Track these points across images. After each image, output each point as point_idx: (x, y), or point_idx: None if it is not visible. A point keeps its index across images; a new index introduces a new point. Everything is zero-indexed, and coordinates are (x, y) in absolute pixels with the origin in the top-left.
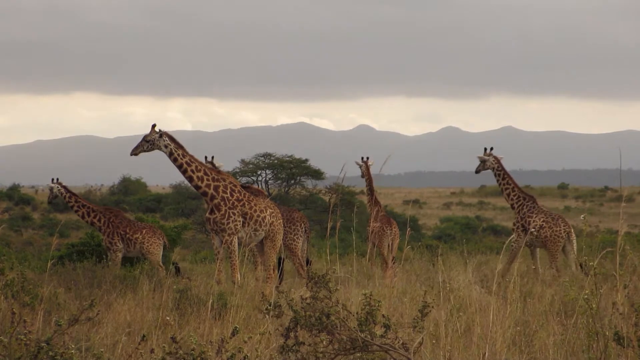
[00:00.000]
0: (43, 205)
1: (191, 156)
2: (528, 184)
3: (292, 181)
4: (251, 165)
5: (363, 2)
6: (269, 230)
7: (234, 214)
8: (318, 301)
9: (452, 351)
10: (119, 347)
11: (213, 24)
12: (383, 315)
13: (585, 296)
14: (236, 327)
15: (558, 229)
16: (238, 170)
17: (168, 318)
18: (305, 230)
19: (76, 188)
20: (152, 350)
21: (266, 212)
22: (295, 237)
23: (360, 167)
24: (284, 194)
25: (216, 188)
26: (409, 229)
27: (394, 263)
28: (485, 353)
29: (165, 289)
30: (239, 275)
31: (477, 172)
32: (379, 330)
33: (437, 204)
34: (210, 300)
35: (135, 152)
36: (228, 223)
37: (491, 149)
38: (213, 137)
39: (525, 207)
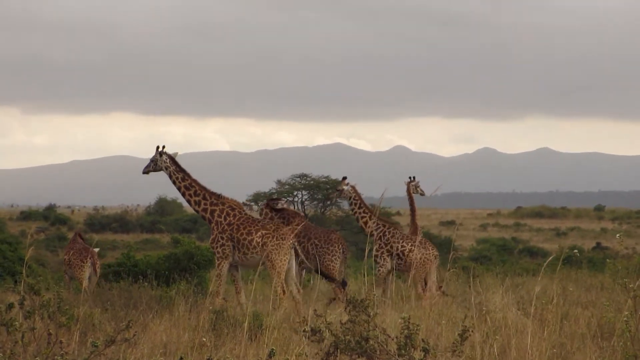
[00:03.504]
0: (79, 225)
1: (193, 180)
2: (564, 205)
3: (328, 202)
4: (287, 186)
5: (400, 24)
6: (260, 252)
7: (222, 238)
8: (357, 325)
9: None
10: None
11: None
12: (422, 340)
13: (625, 318)
14: (273, 349)
15: (427, 252)
16: (275, 191)
17: (204, 339)
18: (343, 252)
19: (112, 208)
20: None
21: (255, 234)
22: (333, 259)
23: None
24: (320, 215)
25: (212, 212)
26: (452, 252)
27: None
28: None
29: (201, 310)
30: (244, 296)
31: (331, 198)
32: (417, 354)
33: (473, 225)
34: (247, 321)
35: (145, 170)
36: (216, 247)
37: (345, 178)
38: (250, 157)
39: (388, 233)
